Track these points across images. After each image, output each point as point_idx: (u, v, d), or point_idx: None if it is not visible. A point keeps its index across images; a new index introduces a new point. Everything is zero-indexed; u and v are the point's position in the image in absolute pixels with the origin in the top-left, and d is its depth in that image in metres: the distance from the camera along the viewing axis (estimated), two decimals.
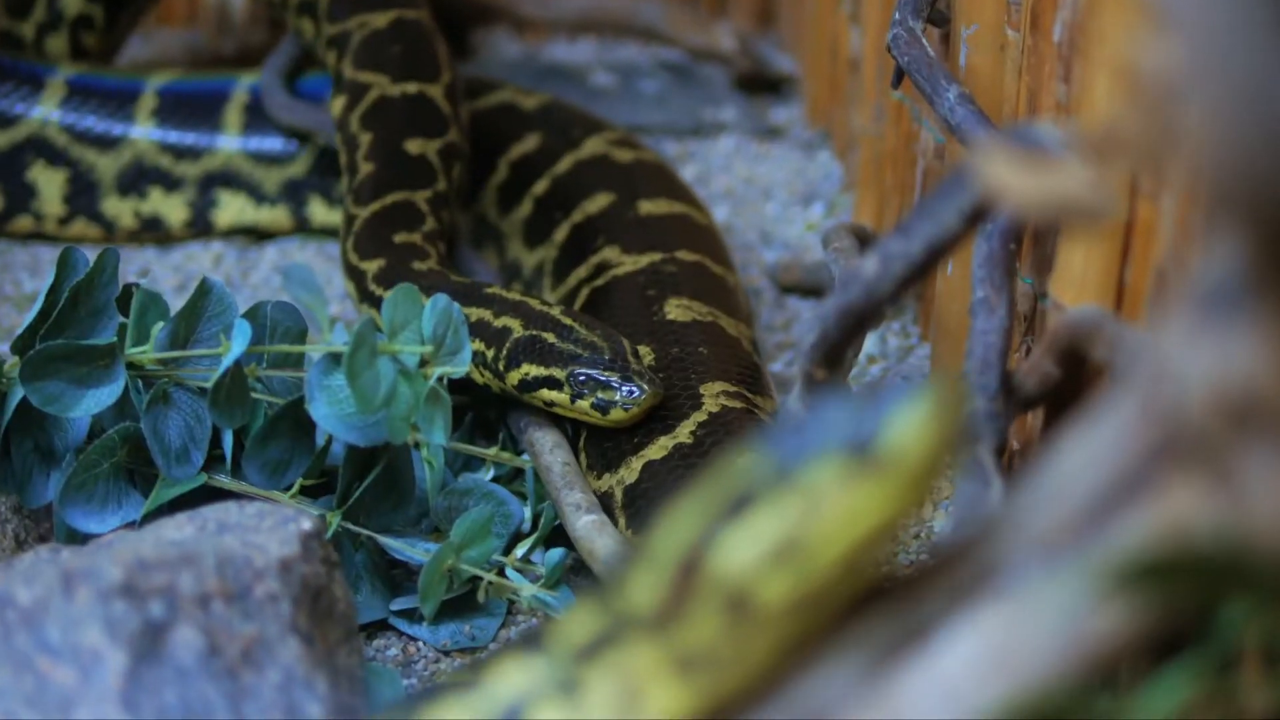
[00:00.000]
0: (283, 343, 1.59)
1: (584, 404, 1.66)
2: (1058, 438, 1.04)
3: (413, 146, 2.02)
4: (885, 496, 0.98)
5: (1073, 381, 1.34)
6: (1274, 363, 0.91)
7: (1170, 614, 0.96)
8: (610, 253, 1.97)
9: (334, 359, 1.53)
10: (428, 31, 2.15)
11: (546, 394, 1.68)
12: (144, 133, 2.23)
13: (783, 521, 0.99)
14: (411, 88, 2.07)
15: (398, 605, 1.61)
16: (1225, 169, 0.82)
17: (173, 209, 2.24)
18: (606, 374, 1.65)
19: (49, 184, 2.22)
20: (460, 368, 1.54)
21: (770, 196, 2.37)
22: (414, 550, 1.59)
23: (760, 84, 2.62)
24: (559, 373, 1.67)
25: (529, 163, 2.15)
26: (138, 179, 2.23)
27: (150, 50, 2.59)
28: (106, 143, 2.22)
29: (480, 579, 1.59)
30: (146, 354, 1.56)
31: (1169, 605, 0.95)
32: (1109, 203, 1.03)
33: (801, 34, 2.59)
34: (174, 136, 2.23)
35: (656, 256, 1.93)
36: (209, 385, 1.55)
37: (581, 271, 1.99)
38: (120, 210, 2.24)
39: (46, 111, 2.21)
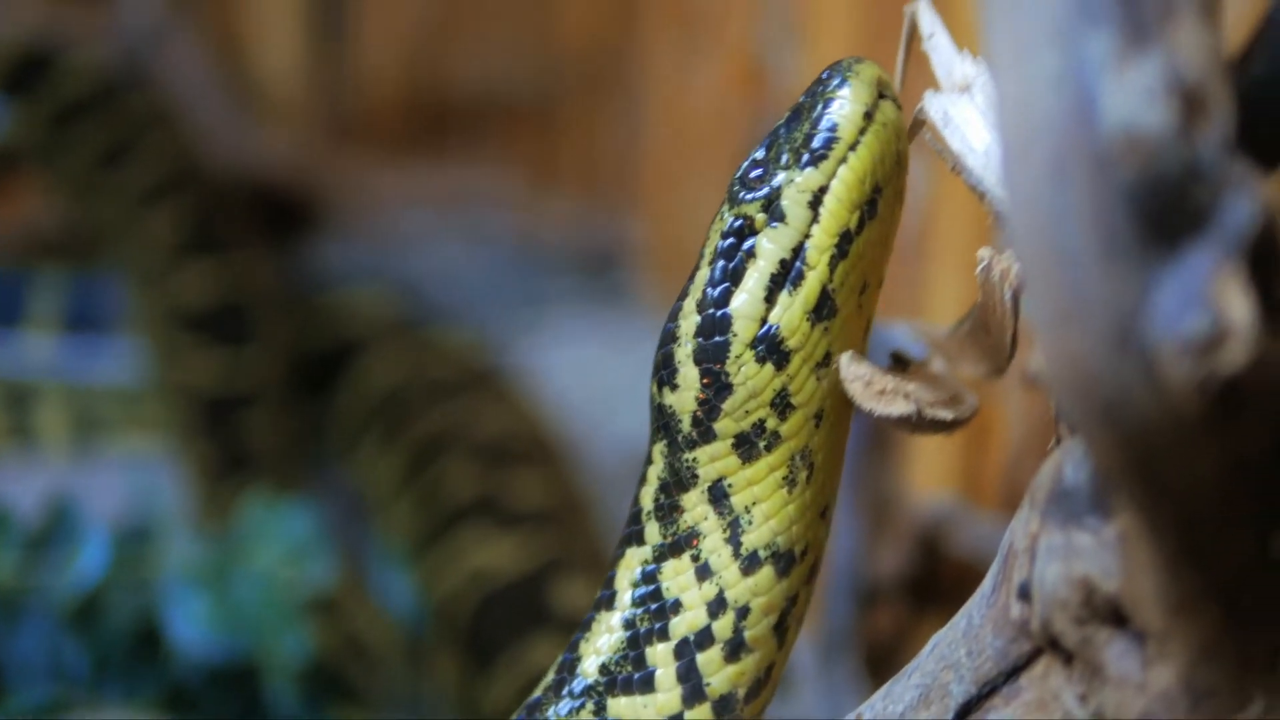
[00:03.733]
0: (134, 559, 1.58)
1: None
2: (921, 630, 1.06)
3: None
4: None
5: (930, 574, 1.37)
6: (1125, 561, 0.93)
7: None
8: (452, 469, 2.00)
9: (192, 574, 1.52)
10: None
11: None
12: None
13: None
14: None
15: None
16: (1067, 382, 0.84)
17: None
18: None
19: None
20: (325, 579, 1.54)
21: (613, 371, 2.39)
22: None
23: (600, 259, 2.64)
24: None
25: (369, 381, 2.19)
26: None
27: None
28: None
29: None
30: None
31: None
32: (963, 410, 1.06)
33: (646, 208, 2.63)
34: None
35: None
36: (65, 603, 1.53)
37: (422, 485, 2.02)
38: None
39: None
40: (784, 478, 1.13)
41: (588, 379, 2.38)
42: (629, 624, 1.17)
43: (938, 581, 1.37)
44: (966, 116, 1.08)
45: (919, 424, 1.09)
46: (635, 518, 1.18)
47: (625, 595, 1.18)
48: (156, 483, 1.56)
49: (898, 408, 1.08)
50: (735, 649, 1.14)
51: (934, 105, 1.09)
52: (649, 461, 1.18)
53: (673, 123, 2.48)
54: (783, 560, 1.14)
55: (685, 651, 1.15)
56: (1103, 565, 0.94)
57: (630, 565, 1.18)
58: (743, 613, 1.14)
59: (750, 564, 1.13)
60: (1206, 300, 0.78)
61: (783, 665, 1.18)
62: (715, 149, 2.33)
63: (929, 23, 1.11)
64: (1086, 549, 0.95)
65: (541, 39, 2.82)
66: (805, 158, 1.11)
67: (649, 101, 2.57)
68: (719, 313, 1.12)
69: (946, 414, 1.08)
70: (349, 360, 2.33)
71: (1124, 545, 0.92)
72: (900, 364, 1.15)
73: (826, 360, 1.11)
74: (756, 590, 1.14)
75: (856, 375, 1.09)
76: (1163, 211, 0.80)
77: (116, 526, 1.58)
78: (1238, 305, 0.79)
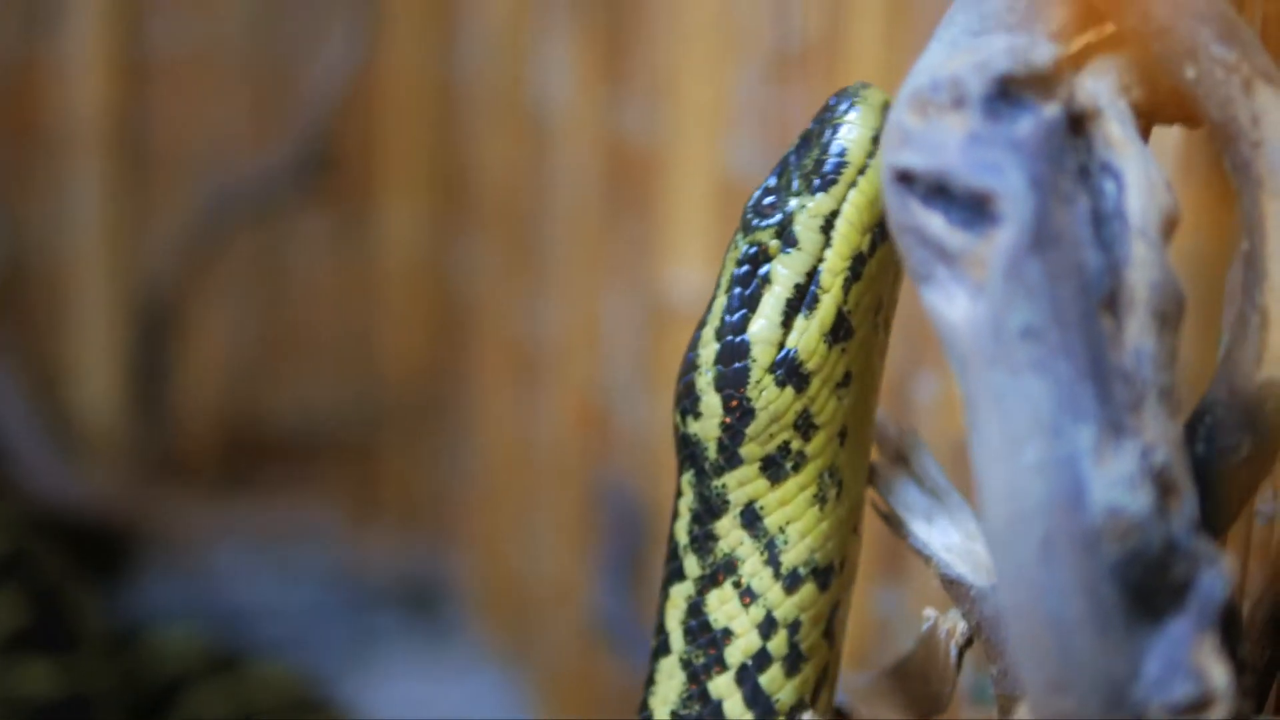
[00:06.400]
0: None
1: None
2: None
3: None
4: None
5: None
6: None
7: None
8: None
9: None
10: None
11: None
12: None
13: None
14: None
15: None
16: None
17: None
18: None
19: None
20: None
21: (442, 707, 2.40)
22: None
23: (426, 594, 2.67)
24: None
25: None
26: None
27: None
28: None
29: None
30: None
31: None
32: None
33: (475, 543, 2.66)
34: None
35: None
36: None
37: None
38: None
39: None
40: (814, 495, 1.14)
41: (417, 715, 2.39)
42: (687, 663, 1.17)
43: None
44: None
45: None
46: (673, 553, 1.18)
47: (677, 636, 1.18)
48: None
49: None
50: (794, 663, 1.15)
51: None
52: (679, 494, 1.18)
53: (508, 459, 2.54)
54: (823, 574, 1.15)
55: (746, 676, 1.16)
56: None
57: (676, 604, 1.18)
58: (794, 628, 1.15)
59: (792, 582, 1.14)
60: (1191, 668, 0.86)
61: (838, 663, 1.19)
62: (556, 488, 2.39)
63: None
64: None
65: (362, 370, 2.87)
66: (816, 183, 1.12)
67: (480, 435, 2.63)
68: (737, 339, 1.13)
69: None
70: (170, 701, 2.33)
71: None
72: None
73: (846, 380, 1.13)
74: (803, 606, 1.15)
75: None
76: (1147, 586, 0.88)
77: None
78: (1218, 672, 0.87)
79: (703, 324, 1.16)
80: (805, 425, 1.13)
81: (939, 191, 0.91)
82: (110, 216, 2.74)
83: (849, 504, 1.16)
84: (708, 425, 1.15)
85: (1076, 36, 0.98)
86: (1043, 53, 0.93)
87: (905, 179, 0.92)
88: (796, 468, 1.14)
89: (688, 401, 1.16)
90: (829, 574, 1.15)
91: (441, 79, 2.66)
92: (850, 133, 1.12)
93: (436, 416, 2.78)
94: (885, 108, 1.12)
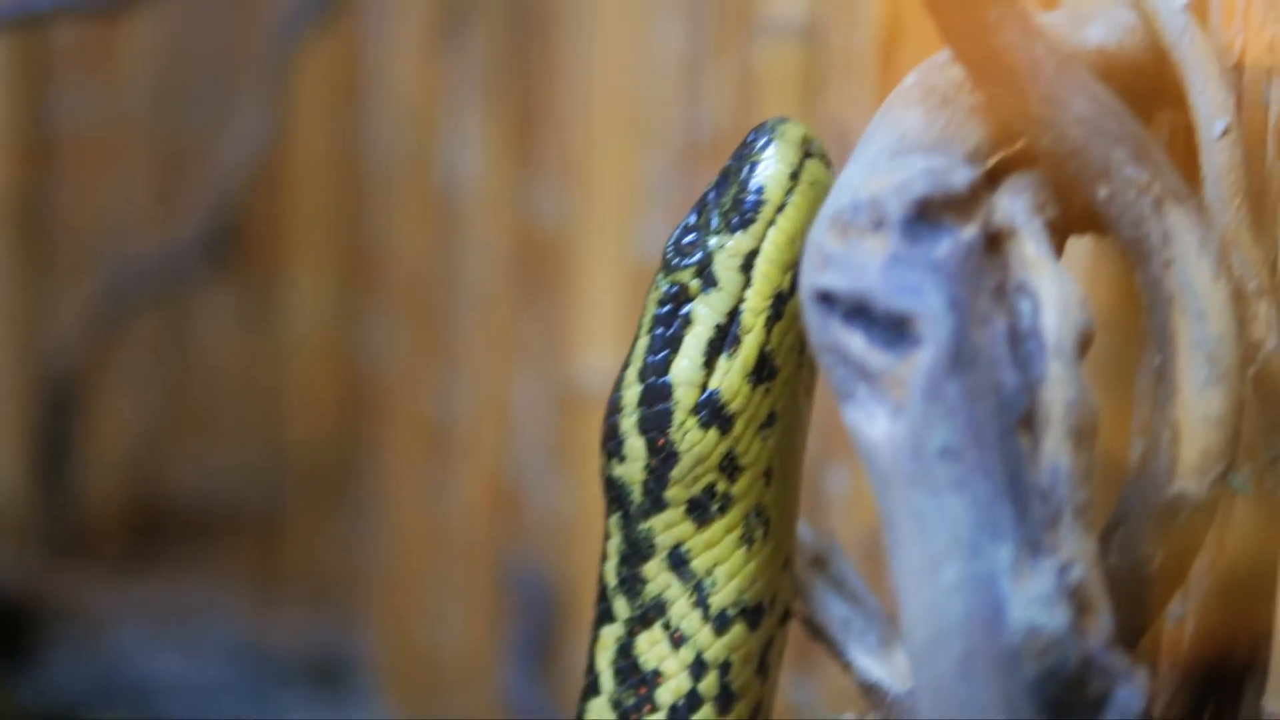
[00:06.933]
0: None
1: None
2: None
3: None
4: None
5: None
6: None
7: None
8: None
9: None
10: None
11: None
12: None
13: None
14: None
15: None
16: None
17: None
18: None
19: None
20: None
21: None
22: None
23: (332, 669, 2.65)
24: None
25: None
26: None
27: None
28: None
29: None
30: None
31: None
32: None
33: (383, 619, 2.65)
34: None
35: None
36: None
37: None
38: None
39: None
40: (741, 537, 1.12)
41: None
42: (617, 704, 1.16)
43: None
44: None
45: None
46: (602, 594, 1.17)
47: (607, 676, 1.16)
48: None
49: None
50: (726, 702, 1.14)
51: None
52: (607, 536, 1.16)
53: (417, 535, 2.53)
54: (753, 614, 1.13)
55: (677, 717, 1.14)
56: None
57: (606, 645, 1.17)
58: (725, 669, 1.14)
59: (722, 624, 1.13)
60: None
61: (773, 695, 1.18)
62: (466, 566, 2.38)
63: None
64: None
65: (269, 446, 2.86)
66: (735, 221, 1.11)
67: (389, 512, 2.62)
68: (660, 380, 1.12)
69: None
70: None
71: None
72: None
73: (771, 420, 1.11)
74: (734, 646, 1.14)
75: None
76: (1064, 702, 0.89)
77: None
78: None
79: (626, 365, 1.15)
80: (730, 467, 1.11)
81: (859, 312, 0.92)
82: (14, 293, 2.72)
83: (776, 541, 1.14)
84: (632, 468, 1.13)
85: (992, 154, 0.99)
86: (960, 176, 0.94)
87: (826, 299, 0.93)
88: (723, 510, 1.12)
89: (612, 444, 1.14)
90: (759, 613, 1.14)
91: (350, 156, 2.66)
92: (768, 169, 1.11)
93: (344, 492, 2.77)
94: (804, 142, 1.11)
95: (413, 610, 2.56)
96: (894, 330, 0.92)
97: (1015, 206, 0.97)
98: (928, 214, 0.93)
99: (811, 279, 0.94)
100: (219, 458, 2.89)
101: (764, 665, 1.15)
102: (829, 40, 1.59)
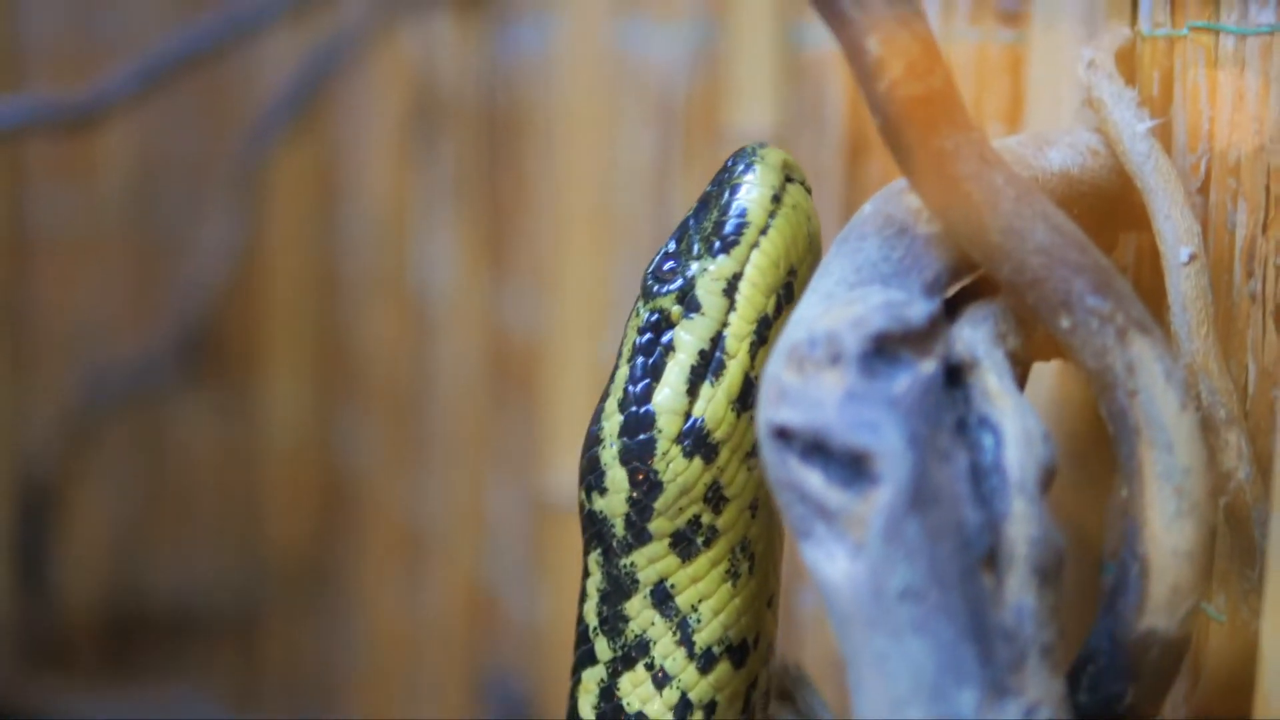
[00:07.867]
0: None
1: None
2: None
3: None
4: None
5: None
6: None
7: None
8: None
9: None
10: None
11: None
12: None
13: None
14: None
15: None
16: None
17: None
18: None
19: None
20: None
21: None
22: None
23: None
24: None
25: None
26: None
27: None
28: None
29: None
30: None
31: None
32: None
33: None
34: None
35: None
36: None
37: None
38: None
39: None
40: (727, 571, 1.09)
41: None
42: None
43: None
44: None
45: None
46: (583, 636, 1.13)
47: None
48: None
49: None
50: None
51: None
52: (586, 574, 1.12)
53: (393, 640, 2.50)
54: (738, 652, 1.10)
55: None
56: None
57: (589, 689, 1.13)
58: (710, 709, 1.10)
59: (707, 662, 1.09)
60: None
61: None
62: (441, 673, 2.36)
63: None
64: None
65: (245, 550, 2.84)
66: (717, 245, 1.08)
67: (365, 615, 2.59)
68: (642, 409, 1.08)
69: None
70: None
71: None
72: None
73: (756, 449, 1.05)
74: (719, 685, 1.10)
75: None
76: None
77: None
78: None
79: (606, 395, 1.12)
80: (715, 498, 1.08)
81: (817, 449, 0.90)
82: None
83: (760, 577, 1.11)
84: (614, 501, 1.09)
85: (951, 284, 0.98)
86: (919, 310, 0.92)
87: (783, 435, 0.91)
88: (708, 543, 1.08)
89: (592, 477, 1.11)
90: (744, 651, 1.10)
91: (324, 260, 2.64)
92: (750, 193, 1.08)
93: (321, 595, 2.75)
94: (785, 167, 1.09)
95: (389, 713, 2.53)
96: (852, 468, 0.90)
97: (976, 337, 0.95)
98: (885, 349, 0.91)
99: (768, 414, 0.92)
100: (196, 561, 2.86)
101: (749, 705, 1.12)
102: (796, 151, 1.58)
